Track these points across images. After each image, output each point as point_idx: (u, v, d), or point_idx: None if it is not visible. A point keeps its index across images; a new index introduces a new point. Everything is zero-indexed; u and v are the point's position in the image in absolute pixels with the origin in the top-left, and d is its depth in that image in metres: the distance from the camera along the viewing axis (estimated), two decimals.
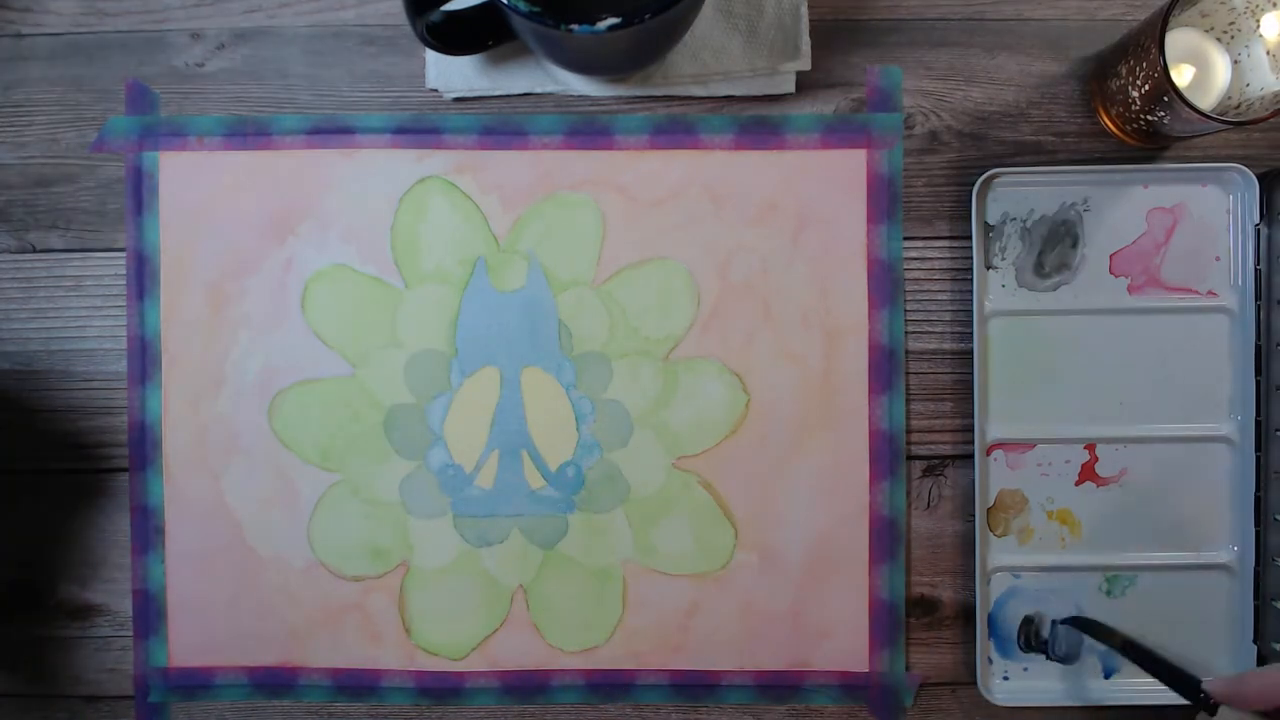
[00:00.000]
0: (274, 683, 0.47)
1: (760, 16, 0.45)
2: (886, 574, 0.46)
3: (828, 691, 0.47)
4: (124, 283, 0.47)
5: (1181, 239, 0.46)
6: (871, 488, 0.46)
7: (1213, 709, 0.38)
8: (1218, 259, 0.46)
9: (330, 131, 0.46)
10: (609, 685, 0.47)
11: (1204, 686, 0.39)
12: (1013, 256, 0.46)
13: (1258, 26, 0.42)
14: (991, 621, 0.47)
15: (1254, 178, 0.45)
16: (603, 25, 0.36)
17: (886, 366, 0.46)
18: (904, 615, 0.46)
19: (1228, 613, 0.46)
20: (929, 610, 0.47)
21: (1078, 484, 0.47)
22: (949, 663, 0.47)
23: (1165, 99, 0.39)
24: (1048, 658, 0.46)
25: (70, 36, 0.47)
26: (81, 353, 0.47)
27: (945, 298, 0.47)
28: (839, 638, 0.46)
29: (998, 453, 0.47)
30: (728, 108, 0.47)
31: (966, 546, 0.47)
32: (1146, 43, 0.39)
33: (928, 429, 0.47)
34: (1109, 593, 0.46)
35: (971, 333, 0.46)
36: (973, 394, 0.46)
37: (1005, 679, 0.47)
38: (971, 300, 0.46)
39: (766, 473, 0.46)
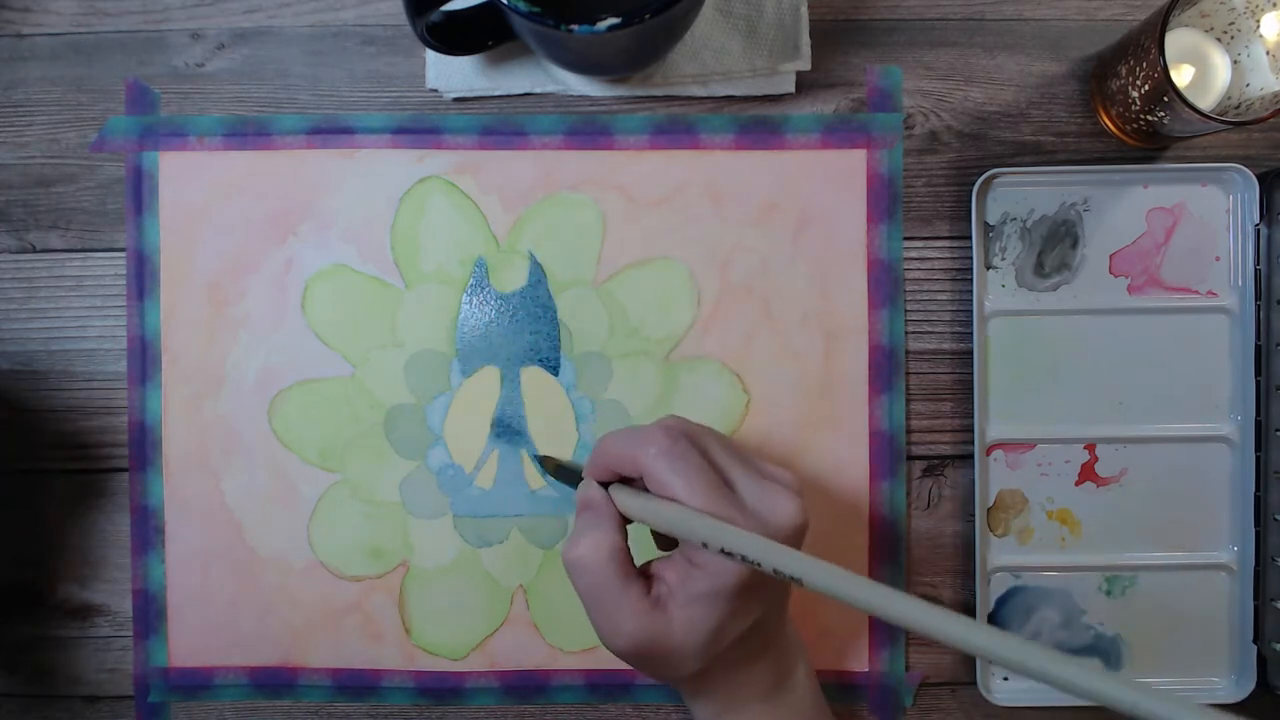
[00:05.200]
0: (274, 683, 0.47)
1: (760, 16, 0.45)
2: (886, 574, 0.46)
3: (827, 691, 0.46)
4: (124, 283, 0.47)
5: (1181, 239, 0.46)
6: (871, 488, 0.46)
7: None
8: (1218, 259, 0.46)
9: (330, 131, 0.46)
10: (609, 685, 0.47)
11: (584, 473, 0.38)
12: (1013, 256, 0.46)
13: (1258, 26, 0.42)
14: (991, 621, 0.47)
15: (1254, 178, 0.45)
16: (603, 25, 0.36)
17: (886, 366, 0.46)
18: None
19: (1228, 613, 0.46)
20: None
21: (1078, 484, 0.47)
22: (949, 663, 0.47)
23: (1165, 99, 0.39)
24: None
25: (70, 36, 0.47)
26: (81, 353, 0.47)
27: (945, 298, 0.47)
28: (839, 637, 0.46)
29: (998, 453, 0.47)
30: (728, 108, 0.47)
31: (966, 546, 0.47)
32: (1146, 43, 0.39)
33: (928, 429, 0.47)
34: (1109, 593, 0.46)
35: (971, 333, 0.46)
36: (973, 394, 0.46)
37: (1005, 679, 0.47)
38: (971, 300, 0.46)
39: None
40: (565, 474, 0.42)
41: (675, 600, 0.35)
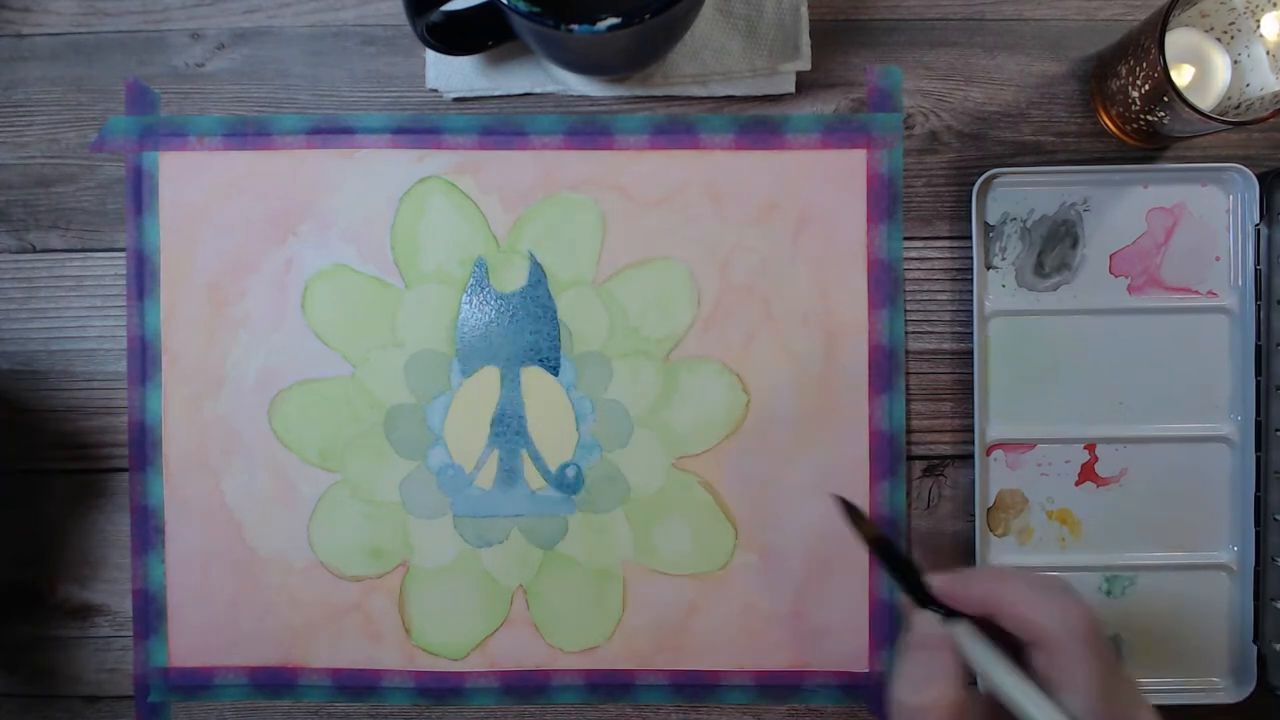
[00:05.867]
0: (274, 683, 0.47)
1: (760, 16, 0.45)
2: (886, 574, 0.46)
3: (828, 691, 0.47)
4: (124, 283, 0.47)
5: (1181, 239, 0.46)
6: (871, 488, 0.46)
7: (933, 606, 0.33)
8: (1218, 259, 0.46)
9: (330, 131, 0.46)
10: (609, 685, 0.47)
11: (927, 579, 0.34)
12: (1013, 256, 0.46)
13: (1258, 26, 0.42)
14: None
15: (1254, 178, 0.45)
16: (603, 25, 0.36)
17: (886, 366, 0.46)
18: (904, 615, 0.46)
19: (1228, 613, 0.46)
20: None
21: (1078, 484, 0.47)
22: None
23: (1165, 99, 0.39)
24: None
25: (70, 36, 0.47)
26: (81, 353, 0.47)
27: (945, 298, 0.47)
28: (839, 638, 0.46)
29: (998, 453, 0.47)
30: (728, 108, 0.47)
31: (966, 546, 0.47)
32: (1146, 43, 0.39)
33: (928, 429, 0.47)
34: (1109, 593, 0.47)
35: (971, 333, 0.46)
36: (973, 394, 0.46)
37: None
38: (971, 300, 0.46)
39: (766, 473, 0.46)
40: (890, 556, 0.35)
41: None
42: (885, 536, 0.36)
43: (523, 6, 0.36)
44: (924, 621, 0.33)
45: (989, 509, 0.47)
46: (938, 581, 0.33)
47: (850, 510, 0.38)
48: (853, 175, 0.46)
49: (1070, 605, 0.31)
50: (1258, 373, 0.45)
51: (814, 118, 0.46)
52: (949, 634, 0.32)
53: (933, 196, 0.47)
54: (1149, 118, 0.42)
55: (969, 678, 0.31)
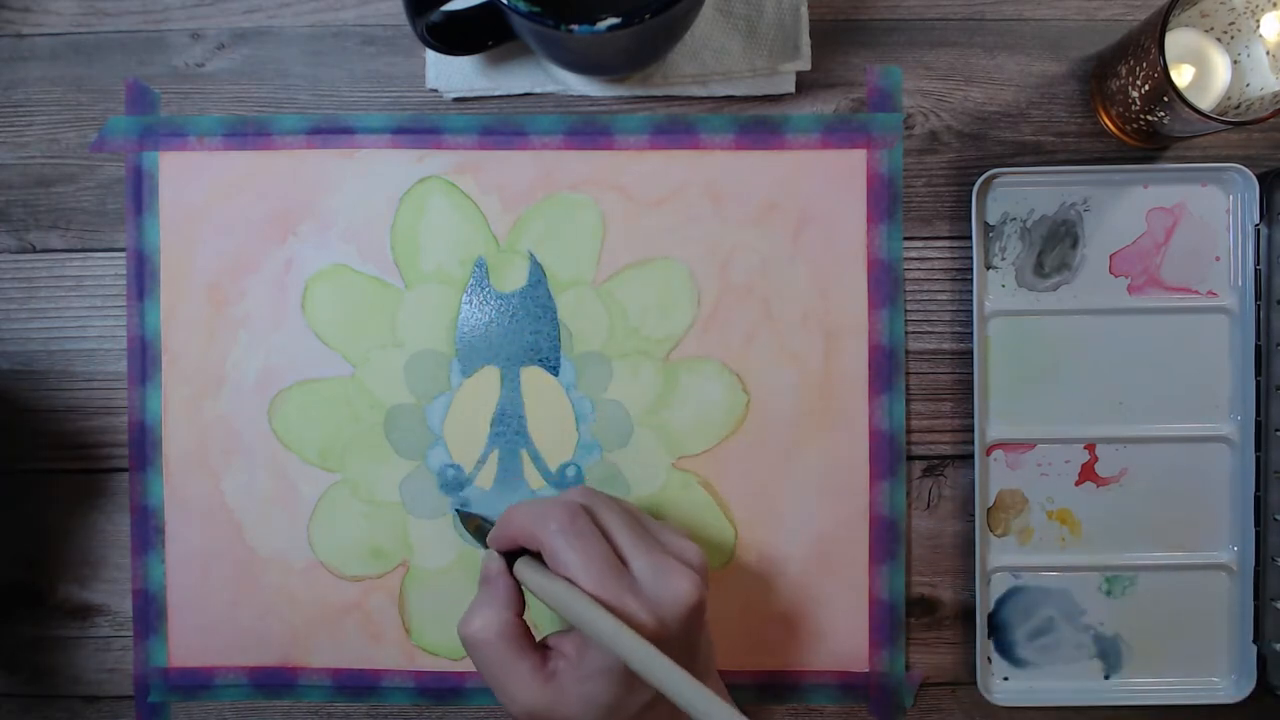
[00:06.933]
0: (274, 683, 0.47)
1: (760, 16, 0.45)
2: (886, 574, 0.46)
3: (827, 691, 0.47)
4: (124, 283, 0.47)
5: (1181, 239, 0.46)
6: (871, 488, 0.46)
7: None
8: (1218, 259, 0.46)
9: (330, 131, 0.46)
10: None
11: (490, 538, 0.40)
12: (1013, 256, 0.46)
13: (1258, 26, 0.42)
14: (991, 621, 0.47)
15: (1254, 178, 0.45)
16: (603, 25, 0.36)
17: (886, 366, 0.46)
18: (904, 615, 0.46)
19: (1228, 613, 0.46)
20: (929, 610, 0.47)
21: (1078, 484, 0.47)
22: (949, 663, 0.47)
23: (1165, 99, 0.39)
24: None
25: (70, 36, 0.47)
26: (81, 353, 0.47)
27: (945, 298, 0.47)
28: (839, 638, 0.46)
29: (998, 453, 0.47)
30: (728, 108, 0.47)
31: (966, 546, 0.47)
32: (1146, 43, 0.40)
33: (928, 429, 0.47)
34: (1109, 593, 0.47)
35: (971, 333, 0.46)
36: (973, 394, 0.46)
37: (1005, 679, 0.47)
38: (971, 300, 0.46)
39: (766, 473, 0.46)
40: (485, 535, 0.42)
41: (573, 674, 0.35)
42: (480, 523, 0.44)
43: (523, 6, 0.36)
44: (486, 559, 0.39)
45: (989, 509, 0.47)
46: (490, 539, 0.39)
47: (467, 522, 0.45)
48: (853, 175, 0.46)
49: (548, 509, 0.37)
50: (1258, 373, 0.45)
51: (814, 118, 0.46)
52: (500, 568, 0.38)
53: (933, 196, 0.47)
54: (1149, 118, 0.42)
55: (522, 605, 0.38)
